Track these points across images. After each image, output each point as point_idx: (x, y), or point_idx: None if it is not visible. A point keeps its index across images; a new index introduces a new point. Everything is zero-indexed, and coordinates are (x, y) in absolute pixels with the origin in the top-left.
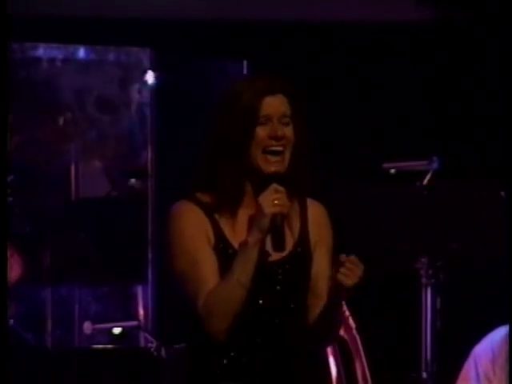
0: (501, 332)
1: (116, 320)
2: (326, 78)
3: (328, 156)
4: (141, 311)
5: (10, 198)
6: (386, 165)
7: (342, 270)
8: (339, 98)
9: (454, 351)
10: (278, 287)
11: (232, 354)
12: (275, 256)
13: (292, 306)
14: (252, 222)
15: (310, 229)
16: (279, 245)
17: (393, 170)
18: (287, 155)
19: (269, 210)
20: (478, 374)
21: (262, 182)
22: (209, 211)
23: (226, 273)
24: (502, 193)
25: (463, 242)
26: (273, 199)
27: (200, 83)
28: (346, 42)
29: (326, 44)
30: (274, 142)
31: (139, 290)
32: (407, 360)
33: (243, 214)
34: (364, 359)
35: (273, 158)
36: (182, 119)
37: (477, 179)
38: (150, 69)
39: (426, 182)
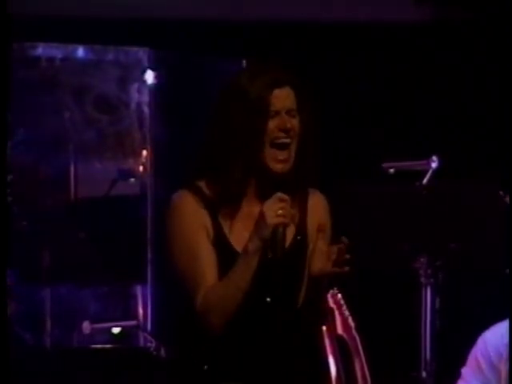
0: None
1: (115, 320)
2: (326, 78)
3: (327, 155)
4: (140, 311)
5: (10, 198)
6: (385, 164)
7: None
8: (338, 98)
9: (454, 351)
10: (274, 285)
11: (228, 346)
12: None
13: (287, 298)
14: (253, 222)
15: (309, 223)
16: (276, 254)
17: (392, 170)
18: (293, 147)
19: (272, 220)
20: (485, 357)
21: (267, 180)
22: (209, 204)
23: (225, 275)
24: (501, 192)
25: (463, 242)
26: (276, 209)
27: (199, 83)
28: (345, 41)
29: (326, 44)
30: (282, 134)
31: (138, 290)
32: (407, 359)
33: (244, 211)
34: (363, 359)
35: (280, 155)
36: (182, 119)
37: (477, 179)
38: (149, 68)
39: (425, 181)
